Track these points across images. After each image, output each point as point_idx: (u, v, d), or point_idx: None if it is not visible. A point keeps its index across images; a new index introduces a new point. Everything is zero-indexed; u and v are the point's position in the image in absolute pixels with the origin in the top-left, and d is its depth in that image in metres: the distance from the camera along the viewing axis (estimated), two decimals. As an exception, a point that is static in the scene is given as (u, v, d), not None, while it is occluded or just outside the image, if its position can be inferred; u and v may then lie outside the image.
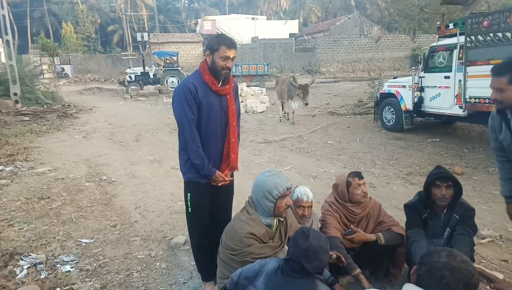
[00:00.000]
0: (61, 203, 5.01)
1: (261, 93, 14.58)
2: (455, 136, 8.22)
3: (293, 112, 10.59)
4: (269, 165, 6.74)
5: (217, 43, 2.52)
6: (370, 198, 3.01)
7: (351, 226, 2.85)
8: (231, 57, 2.53)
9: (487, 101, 6.34)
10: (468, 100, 6.71)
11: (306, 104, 10.13)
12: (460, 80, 6.85)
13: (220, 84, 2.63)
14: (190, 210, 2.79)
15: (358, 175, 2.86)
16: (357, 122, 10.51)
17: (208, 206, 2.81)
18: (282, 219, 2.38)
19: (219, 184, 2.72)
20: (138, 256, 3.65)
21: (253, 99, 13.57)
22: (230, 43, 2.52)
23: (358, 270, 2.62)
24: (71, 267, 3.39)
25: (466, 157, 6.73)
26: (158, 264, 3.50)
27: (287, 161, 6.97)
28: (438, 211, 2.86)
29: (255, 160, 7.12)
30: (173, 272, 3.34)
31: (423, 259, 1.44)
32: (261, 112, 12.79)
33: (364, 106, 12.50)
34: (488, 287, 2.35)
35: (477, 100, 6.55)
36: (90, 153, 7.79)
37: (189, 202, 2.77)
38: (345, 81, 25.90)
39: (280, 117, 11.32)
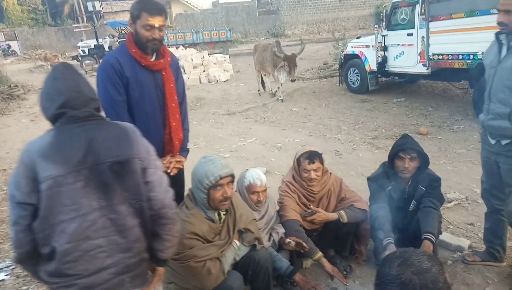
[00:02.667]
0: (1, 198, 4.52)
1: (225, 60, 13.95)
2: (420, 95, 8.13)
3: (280, 86, 8.68)
4: (232, 138, 6.41)
5: (138, 9, 2.08)
6: (330, 173, 2.76)
7: (311, 206, 2.62)
8: (157, 26, 2.09)
9: (450, 57, 6.19)
10: (431, 57, 6.54)
11: (293, 80, 8.09)
12: (423, 37, 6.64)
13: (154, 58, 2.22)
14: None
15: (310, 158, 2.55)
16: (322, 86, 10.24)
17: None
18: (224, 213, 2.08)
19: (171, 173, 2.36)
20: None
21: (215, 67, 12.96)
22: (153, 9, 2.07)
23: (320, 254, 2.41)
24: (6, 275, 3.00)
25: (431, 116, 6.65)
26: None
27: (251, 132, 6.66)
28: (403, 183, 2.66)
29: (217, 133, 6.76)
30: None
31: (378, 269, 1.18)
32: (224, 81, 12.26)
33: (329, 68, 12.22)
34: None
35: (440, 57, 6.39)
36: (38, 138, 7.15)
37: None
38: (311, 43, 25.38)
39: (259, 91, 9.82)
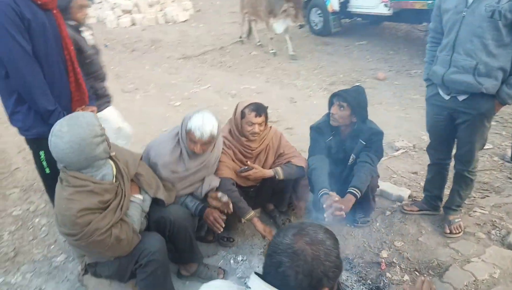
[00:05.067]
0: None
1: (184, -2, 12.94)
2: (382, 37, 7.90)
3: (290, 39, 7.06)
4: (185, 85, 6.05)
5: None
6: (270, 127, 2.58)
7: (248, 162, 2.46)
8: None
9: (412, -3, 5.93)
10: (393, -3, 6.25)
11: (301, 25, 6.54)
12: (386, -25, 6.28)
13: None
14: (48, 171, 2.18)
15: (257, 110, 2.32)
16: (286, 27, 9.76)
17: None
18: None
19: None
20: (13, 213, 3.09)
21: (173, 6, 12.00)
22: None
23: (252, 213, 2.31)
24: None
25: (390, 60, 6.51)
26: (37, 220, 2.99)
27: (206, 78, 6.31)
28: (343, 135, 2.54)
29: (170, 80, 6.36)
30: (54, 229, 2.85)
31: (272, 239, 1.07)
32: (183, 22, 11.43)
33: (294, 8, 11.61)
34: None
35: (402, -3, 6.11)
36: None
37: (44, 162, 2.14)
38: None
39: (242, 38, 8.24)
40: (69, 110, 2.06)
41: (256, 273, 1.05)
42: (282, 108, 4.91)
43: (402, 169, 3.42)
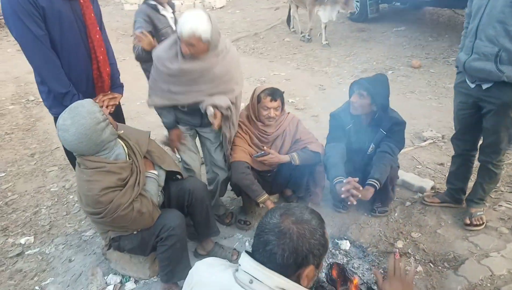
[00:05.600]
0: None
1: (221, -16, 12.99)
2: (422, 23, 7.55)
3: (325, 27, 6.76)
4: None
5: None
6: (288, 113, 2.60)
7: (265, 147, 2.51)
8: None
9: (453, -20, 5.60)
10: (434, -20, 5.93)
11: (352, 14, 6.69)
12: (427, -44, 5.96)
13: None
14: None
15: (273, 94, 2.35)
16: (322, 13, 9.56)
17: None
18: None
19: (108, 110, 2.23)
20: (51, 189, 3.34)
21: (211, -8, 12.10)
22: None
23: (265, 196, 2.36)
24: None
25: (428, 47, 6.22)
26: (71, 197, 3.21)
27: (237, 64, 6.35)
28: (363, 124, 2.51)
29: (202, 65, 6.47)
30: (85, 206, 3.06)
31: (260, 220, 1.12)
32: (220, 8, 11.53)
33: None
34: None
35: (444, -20, 5.79)
36: (22, 70, 6.93)
37: None
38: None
39: (293, 28, 7.78)
40: (91, 95, 2.18)
41: (247, 252, 1.10)
42: (310, 95, 4.88)
43: (428, 160, 3.33)
